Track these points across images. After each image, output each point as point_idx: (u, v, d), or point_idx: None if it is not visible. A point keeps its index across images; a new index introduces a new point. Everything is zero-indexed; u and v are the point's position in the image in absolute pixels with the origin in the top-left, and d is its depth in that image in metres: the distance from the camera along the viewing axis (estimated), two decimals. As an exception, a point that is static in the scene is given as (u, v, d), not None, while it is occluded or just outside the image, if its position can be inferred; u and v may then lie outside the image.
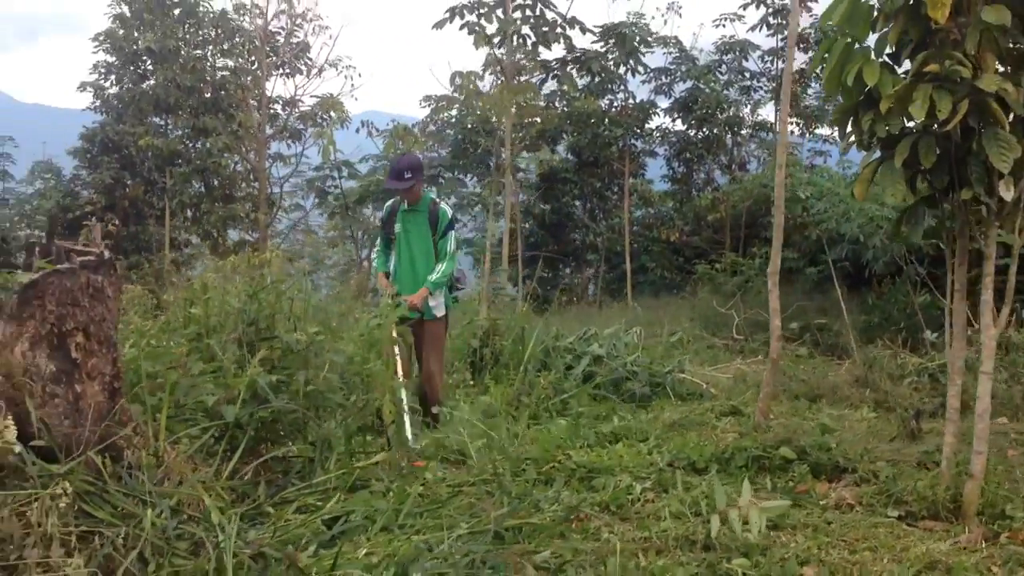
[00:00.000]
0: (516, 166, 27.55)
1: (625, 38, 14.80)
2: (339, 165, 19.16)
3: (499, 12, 12.94)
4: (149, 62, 20.17)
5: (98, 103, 21.86)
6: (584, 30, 13.19)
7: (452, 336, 9.72)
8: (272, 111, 21.16)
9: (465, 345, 9.43)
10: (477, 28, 11.97)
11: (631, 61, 22.94)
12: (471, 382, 8.53)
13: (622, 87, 24.61)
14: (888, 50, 4.73)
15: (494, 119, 15.25)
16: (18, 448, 3.62)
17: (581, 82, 20.43)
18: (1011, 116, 4.40)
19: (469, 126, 22.56)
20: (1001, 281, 4.68)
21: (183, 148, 20.27)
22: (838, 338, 12.75)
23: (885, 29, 4.69)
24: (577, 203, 27.53)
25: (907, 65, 4.70)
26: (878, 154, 4.66)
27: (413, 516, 4.67)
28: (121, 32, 20.15)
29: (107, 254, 4.97)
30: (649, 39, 22.92)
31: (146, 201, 22.52)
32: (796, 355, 12.79)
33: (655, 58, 23.74)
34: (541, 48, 13.04)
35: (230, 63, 21.54)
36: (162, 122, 21.19)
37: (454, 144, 23.39)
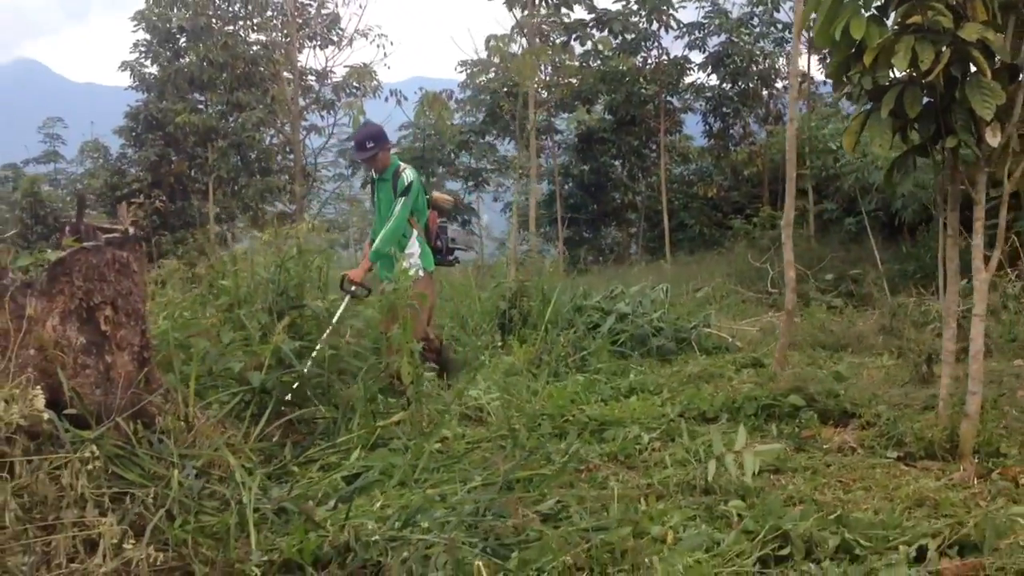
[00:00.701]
0: (554, 127, 27.71)
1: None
2: None
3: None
4: (182, 40, 20.50)
5: (137, 82, 22.24)
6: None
7: (481, 299, 9.94)
8: (305, 83, 21.40)
9: (493, 307, 9.62)
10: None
11: (663, 17, 22.96)
12: (499, 343, 8.70)
13: (655, 44, 24.61)
14: (878, 2, 4.80)
15: (520, 82, 15.30)
16: (47, 416, 3.85)
17: (615, 41, 20.42)
18: (997, 63, 4.49)
19: (504, 89, 22.67)
20: (993, 225, 4.77)
21: (220, 123, 20.57)
22: (871, 288, 12.76)
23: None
24: (616, 162, 27.56)
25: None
26: (869, 105, 4.76)
27: (429, 471, 4.89)
28: (156, 11, 20.48)
29: (132, 231, 5.24)
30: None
31: (190, 177, 22.92)
32: (830, 306, 12.85)
33: (688, 13, 23.70)
34: (564, 9, 13.04)
35: (262, 37, 21.79)
36: (201, 98, 21.51)
37: (488, 108, 23.49)
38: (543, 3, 12.66)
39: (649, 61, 25.19)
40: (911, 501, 4.14)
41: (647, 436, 5.29)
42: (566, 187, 27.94)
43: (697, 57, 25.12)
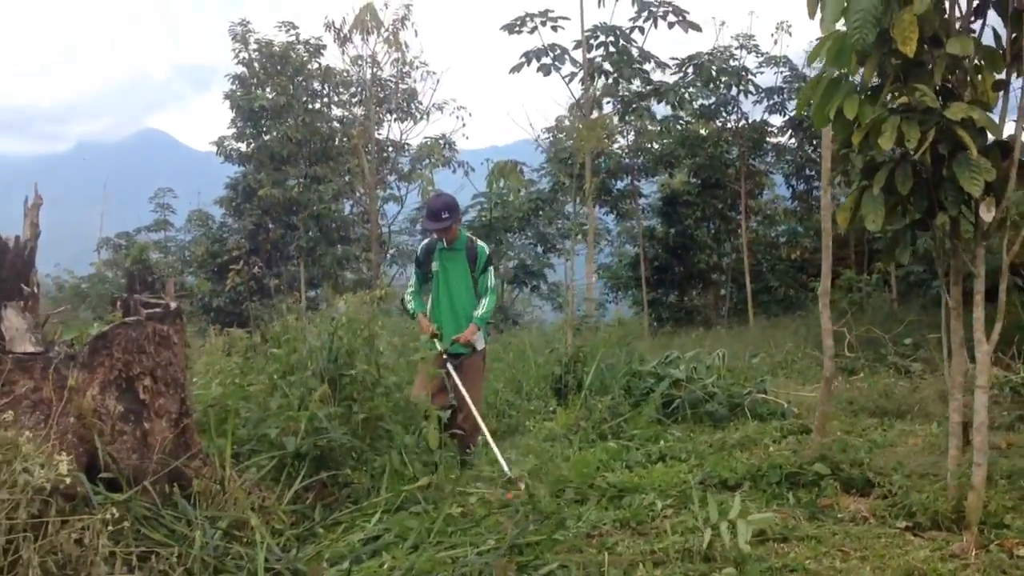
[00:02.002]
0: (639, 191, 27.96)
1: (703, 67, 15.01)
2: None
3: (576, 53, 13.38)
4: (265, 119, 21.41)
5: (230, 158, 23.21)
6: (660, 64, 13.46)
7: (538, 363, 10.15)
8: (383, 155, 22.07)
9: (549, 372, 9.81)
10: (555, 69, 12.40)
11: (742, 83, 23.11)
12: (552, 409, 8.86)
13: (735, 108, 24.74)
14: (875, 82, 4.94)
15: (578, 152, 15.63)
16: (69, 479, 4.15)
17: (665, 110, 20.61)
18: (990, 139, 4.59)
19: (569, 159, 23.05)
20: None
21: (301, 196, 21.32)
22: (934, 353, 12.57)
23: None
24: (701, 225, 27.64)
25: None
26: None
27: (446, 534, 5.09)
28: (240, 91, 21.43)
29: (174, 305, 5.61)
30: (759, 59, 23.06)
31: (284, 244, 23.70)
32: (906, 371, 12.69)
33: (766, 78, 23.80)
34: (621, 82, 13.35)
35: (340, 112, 22.57)
36: (287, 173, 22.33)
37: (553, 179, 23.76)
38: (600, 77, 12.94)
39: (729, 125, 25.35)
40: (902, 572, 4.20)
41: (660, 503, 5.41)
42: (651, 250, 28.10)
43: (777, 120, 25.20)
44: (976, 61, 4.76)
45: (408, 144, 22.38)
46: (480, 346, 7.60)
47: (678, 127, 24.71)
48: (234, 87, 21.53)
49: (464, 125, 19.95)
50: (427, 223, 7.66)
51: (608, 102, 13.75)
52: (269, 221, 23.66)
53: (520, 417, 8.74)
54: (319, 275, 21.10)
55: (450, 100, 25.74)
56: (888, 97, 4.77)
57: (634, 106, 13.68)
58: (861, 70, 4.96)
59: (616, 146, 26.76)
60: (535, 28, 11.83)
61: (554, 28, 13.55)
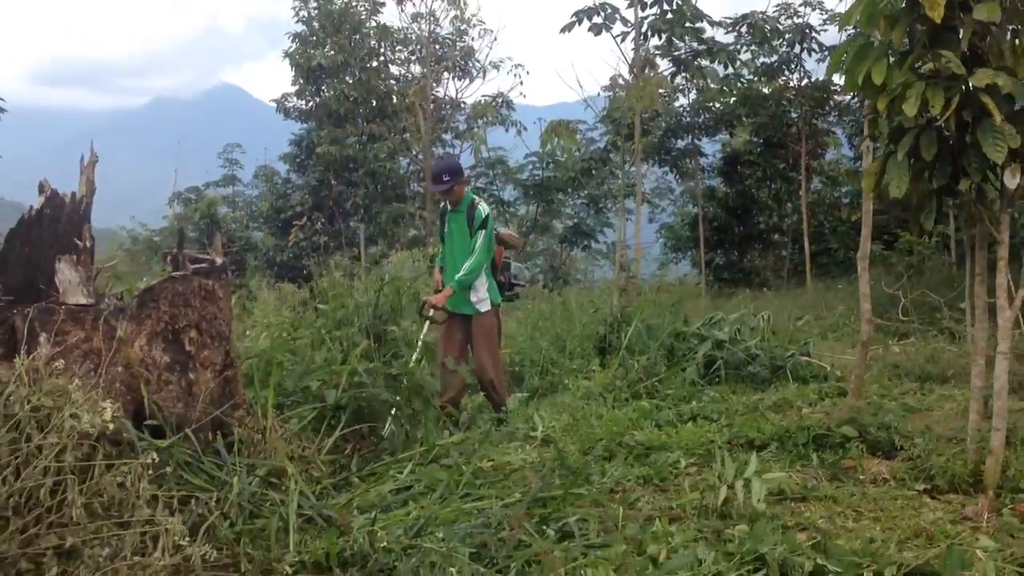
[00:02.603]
0: (699, 150, 27.79)
1: (756, 26, 14.82)
2: (492, 163, 19.96)
3: (628, 12, 13.35)
4: (323, 77, 21.65)
5: (294, 113, 23.50)
6: (712, 23, 13.39)
7: (583, 323, 10.28)
8: (439, 113, 22.20)
9: (594, 332, 9.94)
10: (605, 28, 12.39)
11: (806, 41, 22.78)
12: (595, 368, 9.00)
13: (798, 67, 24.41)
14: (908, 48, 4.95)
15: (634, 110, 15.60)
16: (114, 425, 4.38)
17: (720, 69, 20.36)
18: (1017, 105, 4.60)
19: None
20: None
21: (357, 154, 21.55)
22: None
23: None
24: (762, 185, 27.42)
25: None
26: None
27: (475, 487, 5.27)
28: (300, 50, 21.68)
29: (219, 261, 5.83)
30: (823, 16, 22.72)
31: (343, 201, 23.97)
32: (960, 335, 12.58)
33: (830, 36, 23.40)
34: (675, 41, 13.28)
35: (397, 70, 22.70)
36: (346, 130, 22.56)
37: (608, 138, 23.65)
38: (653, 36, 12.89)
39: (792, 83, 25.02)
40: (910, 531, 4.29)
41: (684, 461, 5.54)
42: (711, 210, 27.96)
43: (841, 79, 24.68)
44: (1013, 26, 4.76)
45: (464, 102, 22.53)
46: (484, 309, 7.60)
47: (739, 84, 24.46)
48: (294, 45, 21.80)
49: (522, 83, 20.01)
50: (430, 185, 7.77)
51: (664, 59, 13.70)
52: (331, 177, 23.94)
53: (562, 375, 8.89)
54: (375, 232, 21.39)
55: (506, 58, 25.89)
56: (919, 63, 4.78)
57: (685, 66, 13.59)
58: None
59: (678, 104, 26.67)
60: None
61: (605, -14, 13.58)
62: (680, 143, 27.24)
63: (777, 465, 5.58)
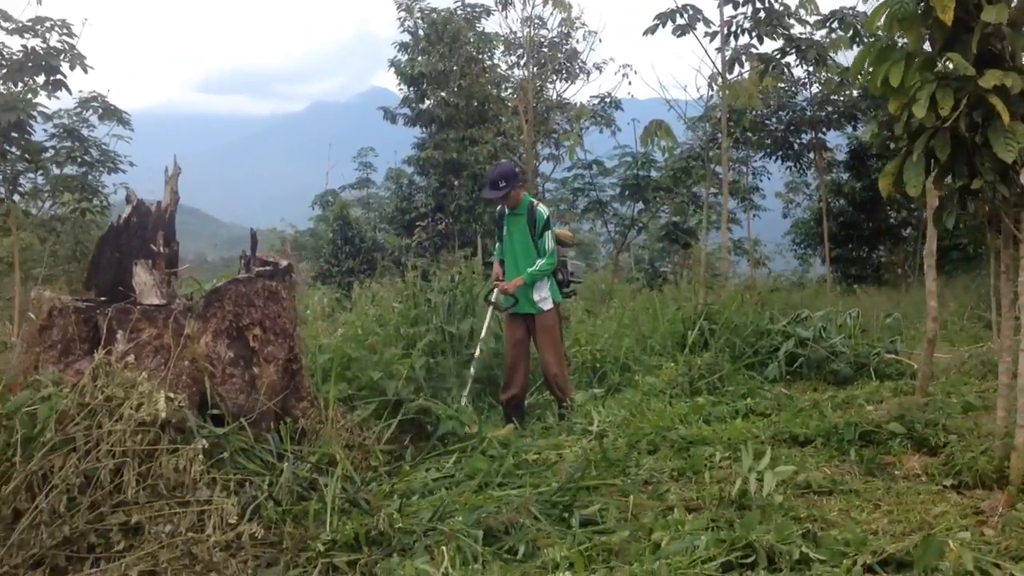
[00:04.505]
0: (824, 144, 27.26)
1: (845, 22, 14.49)
2: (588, 164, 20.09)
3: (712, 13, 13.34)
4: (424, 84, 22.20)
5: (400, 119, 24.20)
6: (801, 20, 13.26)
7: (666, 321, 10.42)
8: (543, 116, 22.44)
9: (677, 329, 10.07)
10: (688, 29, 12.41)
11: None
12: (664, 366, 9.13)
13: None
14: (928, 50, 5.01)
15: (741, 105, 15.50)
16: (165, 414, 4.81)
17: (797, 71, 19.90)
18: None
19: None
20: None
21: (460, 157, 22.00)
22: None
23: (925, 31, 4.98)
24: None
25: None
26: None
27: (516, 476, 5.55)
28: (403, 59, 22.31)
29: (284, 264, 6.25)
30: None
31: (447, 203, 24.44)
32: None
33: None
34: (765, 39, 13.20)
35: (499, 73, 23.03)
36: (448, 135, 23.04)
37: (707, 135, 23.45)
38: (741, 34, 12.83)
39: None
40: (916, 524, 4.37)
41: (719, 455, 5.68)
42: (836, 205, 27.40)
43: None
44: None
45: (569, 102, 22.71)
46: (546, 307, 7.73)
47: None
48: (399, 54, 22.45)
49: (631, 83, 20.08)
50: (486, 191, 7.93)
51: (753, 54, 13.58)
52: (454, 179, 24.45)
53: (642, 372, 9.06)
54: (479, 231, 21.75)
55: (609, 59, 26.00)
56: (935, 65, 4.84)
57: (775, 64, 13.49)
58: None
59: (800, 98, 26.22)
60: (670, -11, 11.95)
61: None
62: (804, 137, 26.78)
63: (813, 460, 5.68)
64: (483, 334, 7.69)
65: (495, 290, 7.88)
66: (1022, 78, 4.48)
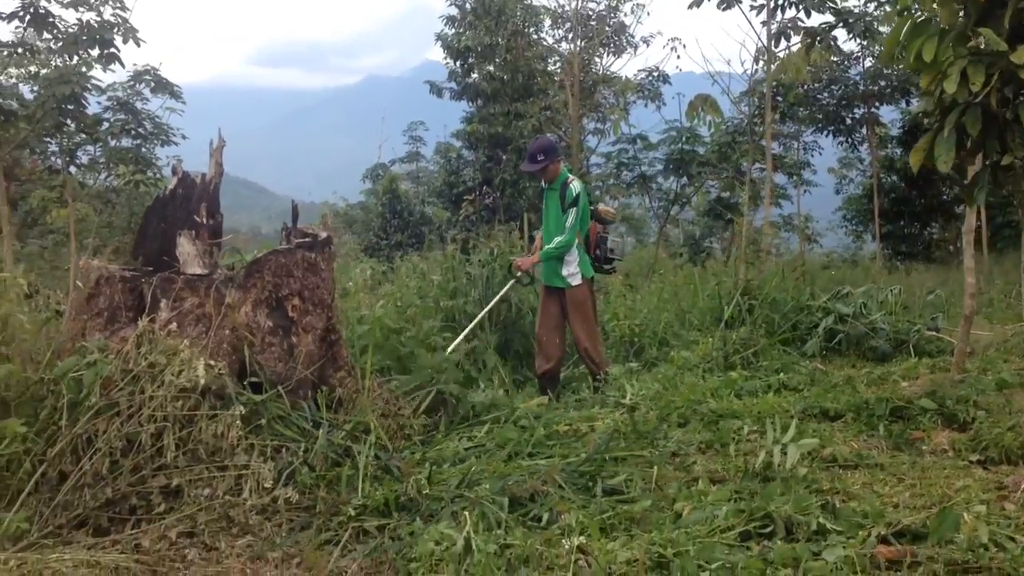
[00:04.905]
0: (878, 119, 26.95)
1: None
2: (633, 139, 20.04)
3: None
4: (471, 58, 22.24)
5: (446, 93, 24.29)
6: (847, -7, 13.11)
7: (705, 296, 10.44)
8: (589, 89, 22.39)
9: (716, 304, 10.09)
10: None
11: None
12: (708, 339, 9.16)
13: (980, 30, 23.17)
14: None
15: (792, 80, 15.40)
16: (204, 380, 4.97)
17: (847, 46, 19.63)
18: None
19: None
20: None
21: (505, 131, 22.06)
22: None
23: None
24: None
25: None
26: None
27: (546, 447, 5.65)
28: (449, 32, 22.37)
29: (323, 235, 6.38)
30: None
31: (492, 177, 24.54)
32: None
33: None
34: (812, 13, 13.06)
35: (546, 47, 23.01)
36: (494, 109, 23.07)
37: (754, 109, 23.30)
38: (788, 7, 12.71)
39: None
40: (934, 498, 4.41)
41: (747, 428, 5.74)
42: (888, 181, 27.16)
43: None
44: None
45: (617, 76, 22.65)
46: (575, 283, 7.78)
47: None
48: (447, 28, 22.51)
49: (679, 57, 19.98)
50: (524, 164, 7.97)
51: (800, 28, 13.45)
52: (501, 153, 24.51)
53: (679, 347, 9.11)
54: (524, 206, 21.83)
55: (657, 33, 25.84)
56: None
57: (821, 38, 13.34)
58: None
59: (853, 71, 25.94)
60: (715, -38, 11.86)
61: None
62: (857, 112, 26.51)
63: (842, 435, 5.71)
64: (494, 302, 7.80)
65: (512, 263, 7.96)
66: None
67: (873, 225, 26.85)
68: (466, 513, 4.21)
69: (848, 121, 26.54)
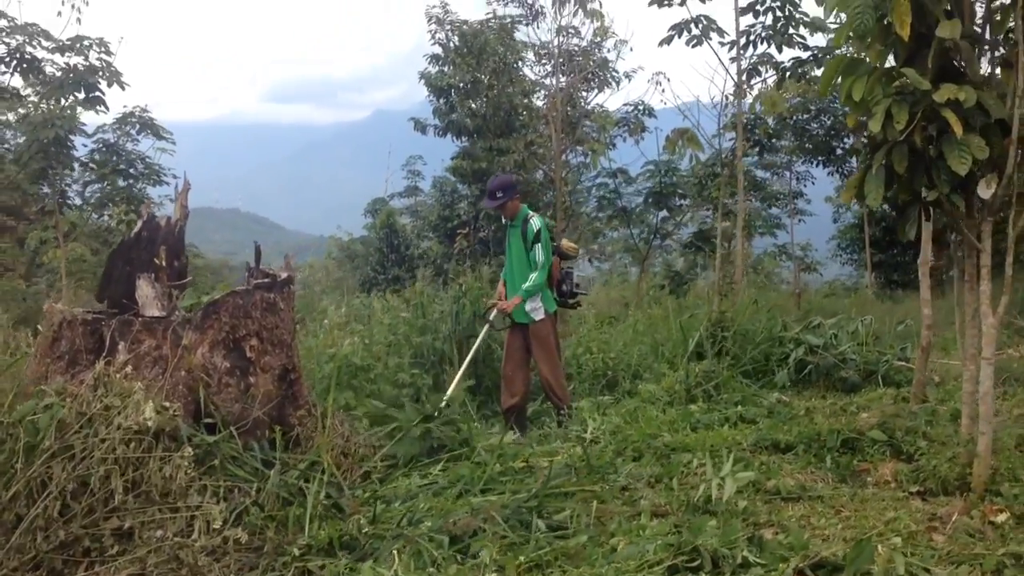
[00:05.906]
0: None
1: None
2: (613, 173, 20.20)
3: (726, 23, 13.38)
4: (453, 95, 22.50)
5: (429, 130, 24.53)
6: (817, 29, 13.19)
7: (680, 327, 10.50)
8: (570, 124, 22.56)
9: (689, 338, 10.15)
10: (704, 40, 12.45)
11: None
12: (664, 373, 9.21)
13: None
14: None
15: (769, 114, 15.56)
16: (151, 422, 5.05)
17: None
18: (993, 118, 4.70)
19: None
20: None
21: (488, 167, 22.23)
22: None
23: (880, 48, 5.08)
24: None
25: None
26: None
27: (499, 483, 5.72)
28: (433, 71, 22.61)
29: (283, 276, 6.48)
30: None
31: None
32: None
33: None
34: (784, 48, 13.18)
35: (526, 84, 23.24)
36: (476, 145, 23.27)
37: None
38: (759, 43, 12.84)
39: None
40: (866, 527, 4.48)
41: (696, 462, 5.80)
42: (880, 209, 27.14)
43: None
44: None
45: (602, 108, 22.84)
46: (538, 317, 7.86)
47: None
48: (429, 67, 22.72)
49: (663, 91, 20.14)
50: (485, 201, 8.09)
51: (768, 66, 13.63)
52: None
53: (651, 380, 9.17)
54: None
55: (639, 68, 26.15)
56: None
57: (789, 74, 13.47)
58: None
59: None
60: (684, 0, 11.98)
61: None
62: (847, 142, 26.63)
63: (790, 467, 5.78)
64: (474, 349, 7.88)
65: (494, 309, 8.01)
66: (976, 92, 4.56)
67: (865, 254, 26.91)
68: (395, 552, 4.29)
69: (839, 151, 26.66)
